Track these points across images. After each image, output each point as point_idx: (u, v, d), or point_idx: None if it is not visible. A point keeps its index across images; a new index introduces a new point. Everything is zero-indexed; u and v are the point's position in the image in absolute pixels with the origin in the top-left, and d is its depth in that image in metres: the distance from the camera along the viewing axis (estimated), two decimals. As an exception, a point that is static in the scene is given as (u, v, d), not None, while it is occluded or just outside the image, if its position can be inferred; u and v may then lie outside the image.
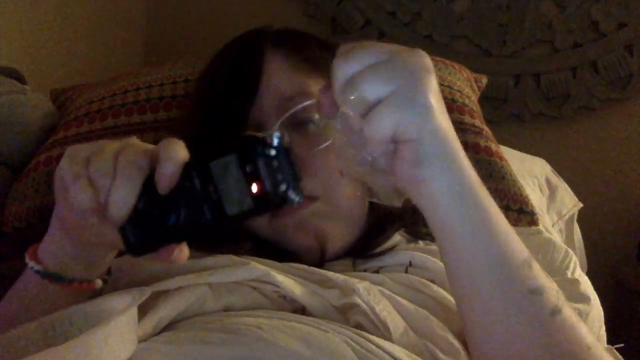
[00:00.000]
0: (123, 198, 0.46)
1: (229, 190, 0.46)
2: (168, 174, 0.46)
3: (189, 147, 0.48)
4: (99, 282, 0.56)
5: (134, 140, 0.50)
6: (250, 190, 0.45)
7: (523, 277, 0.46)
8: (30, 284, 0.56)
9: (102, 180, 0.46)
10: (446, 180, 0.45)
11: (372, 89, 0.42)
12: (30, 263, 0.54)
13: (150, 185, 0.47)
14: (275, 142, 0.45)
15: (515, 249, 0.47)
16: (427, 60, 0.45)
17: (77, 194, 0.47)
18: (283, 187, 0.45)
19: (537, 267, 0.47)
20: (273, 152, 0.45)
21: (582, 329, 0.46)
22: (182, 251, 0.49)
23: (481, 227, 0.46)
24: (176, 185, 0.46)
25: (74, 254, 0.54)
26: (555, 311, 0.46)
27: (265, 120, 0.68)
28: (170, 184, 0.46)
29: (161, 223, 0.47)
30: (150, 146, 0.49)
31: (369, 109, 0.43)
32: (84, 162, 0.48)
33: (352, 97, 0.43)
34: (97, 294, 0.58)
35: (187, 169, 0.47)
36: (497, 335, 0.47)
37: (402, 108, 0.42)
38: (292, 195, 0.45)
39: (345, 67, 0.43)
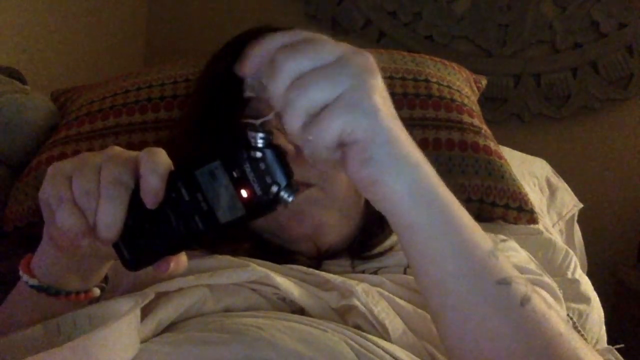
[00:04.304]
0: (111, 218, 0.45)
1: (218, 198, 0.44)
2: (153, 189, 0.45)
3: (171, 153, 0.47)
4: (96, 291, 0.56)
5: (115, 150, 0.49)
6: (241, 196, 0.44)
7: (489, 268, 0.46)
8: (25, 296, 0.55)
9: (87, 203, 0.45)
10: (402, 179, 0.44)
11: (321, 95, 0.41)
12: (25, 277, 0.53)
13: (137, 199, 0.45)
14: (260, 143, 0.43)
15: (479, 241, 0.47)
16: (372, 61, 0.44)
17: (63, 218, 0.45)
18: (274, 189, 0.43)
19: (502, 259, 0.47)
20: (259, 154, 0.43)
21: (554, 317, 0.46)
22: (179, 262, 0.48)
23: (443, 222, 0.46)
24: (164, 198, 0.45)
25: (69, 267, 0.53)
26: (525, 300, 0.45)
27: (263, 109, 0.68)
28: (157, 199, 0.45)
29: (154, 236, 0.46)
30: (132, 154, 0.48)
31: (314, 115, 0.42)
32: (66, 182, 0.46)
33: (300, 104, 0.41)
34: (95, 302, 0.57)
35: (173, 179, 0.45)
36: (469, 329, 0.46)
37: (348, 111, 0.41)
38: (285, 195, 0.44)
39: (292, 64, 0.41)
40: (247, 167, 0.43)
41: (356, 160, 0.43)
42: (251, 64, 0.43)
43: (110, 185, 0.45)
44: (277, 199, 0.44)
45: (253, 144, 0.43)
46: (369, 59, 0.44)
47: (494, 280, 0.46)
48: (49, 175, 0.48)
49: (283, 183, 0.44)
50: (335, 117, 0.41)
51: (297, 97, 0.41)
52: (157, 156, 0.46)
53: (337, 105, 0.41)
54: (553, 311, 0.47)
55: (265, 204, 0.44)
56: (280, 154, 0.44)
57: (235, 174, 0.44)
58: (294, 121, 0.41)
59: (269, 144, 0.44)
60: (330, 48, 0.42)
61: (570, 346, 0.45)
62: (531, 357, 0.45)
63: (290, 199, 0.44)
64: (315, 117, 0.41)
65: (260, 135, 0.43)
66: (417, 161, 0.45)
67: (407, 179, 0.44)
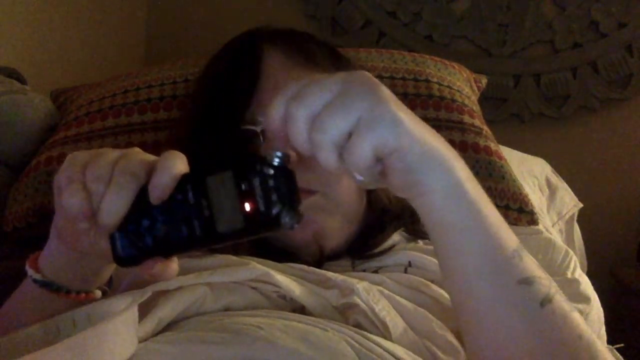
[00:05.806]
0: (115, 205, 0.45)
1: (221, 207, 0.44)
2: (161, 184, 0.45)
3: (191, 160, 0.47)
4: (98, 293, 0.56)
5: (136, 149, 0.49)
6: (243, 209, 0.43)
7: (512, 268, 0.47)
8: (30, 292, 0.55)
9: (95, 186, 0.46)
10: (436, 178, 0.46)
11: (340, 126, 0.43)
12: (30, 271, 0.54)
13: (144, 196, 0.46)
14: (276, 161, 0.43)
15: (504, 241, 0.48)
16: (369, 76, 0.45)
17: (68, 197, 0.46)
18: (277, 209, 0.42)
19: (527, 258, 0.48)
20: (271, 171, 0.43)
21: (575, 319, 0.47)
22: (168, 267, 0.47)
23: (472, 220, 0.47)
24: (169, 198, 0.45)
25: (70, 264, 0.53)
26: (545, 301, 0.46)
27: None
28: (163, 195, 0.45)
29: (150, 235, 0.46)
30: (151, 157, 0.48)
31: (344, 145, 0.44)
32: (81, 167, 0.47)
33: (326, 142, 0.43)
34: None
35: (183, 181, 0.45)
36: (488, 325, 0.47)
37: (372, 128, 0.43)
38: (286, 218, 0.43)
39: (302, 111, 0.43)
40: (256, 181, 0.43)
41: (397, 170, 0.45)
42: (280, 137, 0.46)
43: (121, 174, 0.46)
44: (277, 220, 0.43)
45: (268, 160, 0.43)
46: (366, 75, 0.45)
47: (515, 280, 0.46)
48: (66, 162, 0.49)
49: (287, 204, 0.43)
50: (363, 140, 0.43)
51: (320, 137, 0.43)
52: (175, 158, 0.47)
53: (360, 128, 0.43)
54: (575, 314, 0.47)
55: (266, 221, 0.43)
56: (292, 178, 0.44)
57: (243, 186, 0.43)
58: (329, 159, 0.44)
59: (284, 164, 0.44)
60: (329, 81, 0.44)
61: (590, 350, 0.46)
62: (548, 358, 0.45)
63: (290, 223, 0.43)
64: (345, 147, 0.43)
65: (278, 153, 0.43)
66: (446, 156, 0.47)
67: (439, 175, 0.46)
